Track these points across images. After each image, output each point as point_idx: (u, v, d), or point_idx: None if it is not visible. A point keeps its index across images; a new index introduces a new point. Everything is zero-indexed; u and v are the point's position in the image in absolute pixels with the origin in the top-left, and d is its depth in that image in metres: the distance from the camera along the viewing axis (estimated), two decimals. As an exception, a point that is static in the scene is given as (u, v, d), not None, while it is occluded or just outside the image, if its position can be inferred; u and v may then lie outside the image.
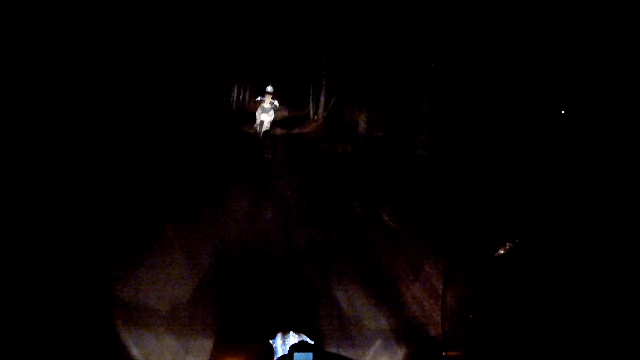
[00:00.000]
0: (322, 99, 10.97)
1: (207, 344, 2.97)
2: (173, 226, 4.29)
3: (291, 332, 2.49)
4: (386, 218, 5.18)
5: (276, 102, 10.16)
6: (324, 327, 3.16)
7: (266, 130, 10.44)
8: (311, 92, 11.77)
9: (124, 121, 6.36)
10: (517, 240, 3.52)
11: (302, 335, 2.51)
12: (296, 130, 11.73)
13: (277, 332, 2.52)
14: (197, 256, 3.83)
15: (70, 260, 3.21)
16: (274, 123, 10.46)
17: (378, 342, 3.13)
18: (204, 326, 3.08)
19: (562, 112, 4.34)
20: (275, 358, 2.29)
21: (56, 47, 4.74)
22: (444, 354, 3.11)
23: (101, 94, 5.86)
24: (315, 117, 10.82)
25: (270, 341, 2.46)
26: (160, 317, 2.95)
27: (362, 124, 8.95)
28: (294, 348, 2.07)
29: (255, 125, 10.45)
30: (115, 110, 6.22)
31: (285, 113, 11.14)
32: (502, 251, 3.60)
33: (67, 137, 4.73)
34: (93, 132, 5.30)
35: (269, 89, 10.16)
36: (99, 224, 3.82)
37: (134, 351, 2.58)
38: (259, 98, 10.11)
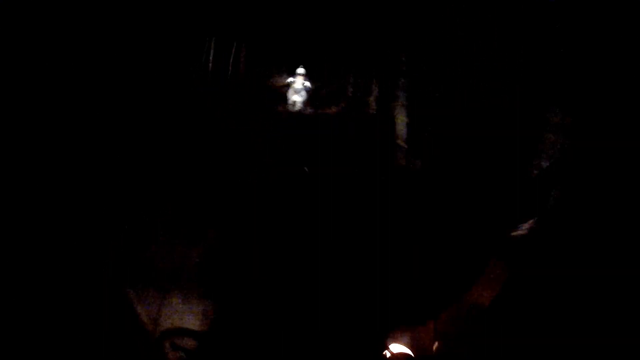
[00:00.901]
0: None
1: (212, 307, 3.31)
2: (187, 199, 4.69)
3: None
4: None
5: (307, 83, 10.46)
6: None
7: (299, 109, 10.79)
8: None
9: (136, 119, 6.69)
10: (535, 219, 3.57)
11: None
12: (330, 110, 11.93)
13: None
14: (207, 226, 4.20)
15: (80, 222, 3.60)
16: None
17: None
18: (210, 289, 3.38)
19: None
20: None
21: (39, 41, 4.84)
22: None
23: (109, 92, 6.23)
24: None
25: None
26: (167, 277, 3.34)
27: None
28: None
29: (287, 105, 10.82)
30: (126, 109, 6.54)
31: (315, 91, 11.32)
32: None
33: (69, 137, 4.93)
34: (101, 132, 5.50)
35: (300, 70, 10.45)
36: (110, 194, 4.23)
37: (141, 311, 3.00)
38: (290, 79, 10.45)
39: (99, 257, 3.39)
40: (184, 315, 3.17)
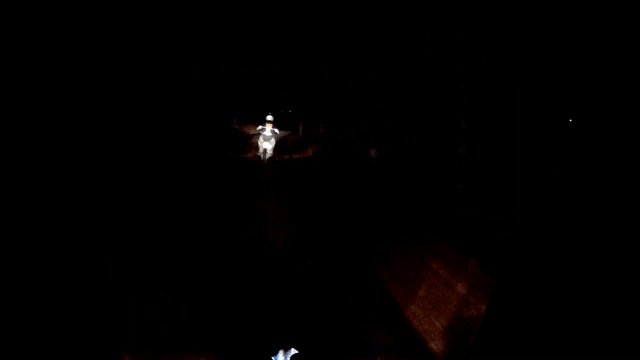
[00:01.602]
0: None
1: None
2: (173, 247, 4.44)
3: (292, 349, 2.57)
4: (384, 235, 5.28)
5: (276, 130, 10.59)
6: (325, 343, 3.28)
7: (269, 157, 10.82)
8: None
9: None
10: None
11: (303, 352, 2.63)
12: (297, 155, 12.12)
13: (279, 350, 2.63)
14: (196, 274, 3.98)
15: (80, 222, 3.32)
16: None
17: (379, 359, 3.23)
18: (203, 345, 3.18)
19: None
20: None
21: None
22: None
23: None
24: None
25: (273, 358, 2.56)
26: (160, 335, 3.09)
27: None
28: (295, 358, 2.21)
29: (259, 153, 10.83)
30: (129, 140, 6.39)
31: (284, 136, 11.51)
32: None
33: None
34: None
35: (269, 117, 10.59)
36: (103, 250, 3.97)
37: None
38: (259, 127, 10.52)
39: (99, 257, 3.15)
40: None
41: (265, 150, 10.78)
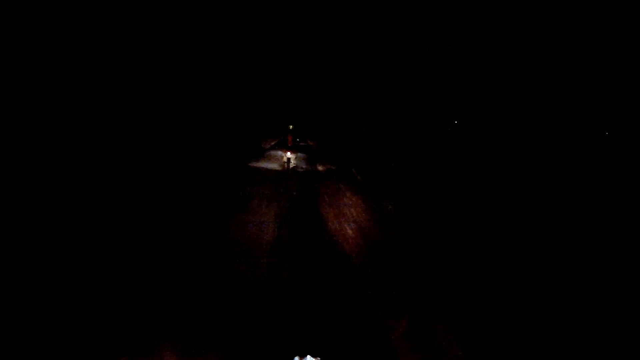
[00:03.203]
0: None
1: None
2: (184, 249, 4.48)
3: (309, 356, 2.55)
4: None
5: (298, 139, 10.69)
6: (340, 351, 3.21)
7: (294, 166, 10.92)
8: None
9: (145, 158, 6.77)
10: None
11: (318, 359, 2.60)
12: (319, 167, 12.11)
13: (295, 356, 2.62)
14: (209, 278, 3.98)
15: (80, 222, 3.41)
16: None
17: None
18: (203, 345, 3.15)
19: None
20: None
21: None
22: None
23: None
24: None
25: None
26: (160, 335, 3.08)
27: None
28: None
29: (282, 162, 10.96)
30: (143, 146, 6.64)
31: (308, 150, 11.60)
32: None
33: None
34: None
35: (291, 127, 10.74)
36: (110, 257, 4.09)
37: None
38: (282, 138, 10.69)
39: (99, 257, 3.25)
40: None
41: (289, 159, 10.91)
